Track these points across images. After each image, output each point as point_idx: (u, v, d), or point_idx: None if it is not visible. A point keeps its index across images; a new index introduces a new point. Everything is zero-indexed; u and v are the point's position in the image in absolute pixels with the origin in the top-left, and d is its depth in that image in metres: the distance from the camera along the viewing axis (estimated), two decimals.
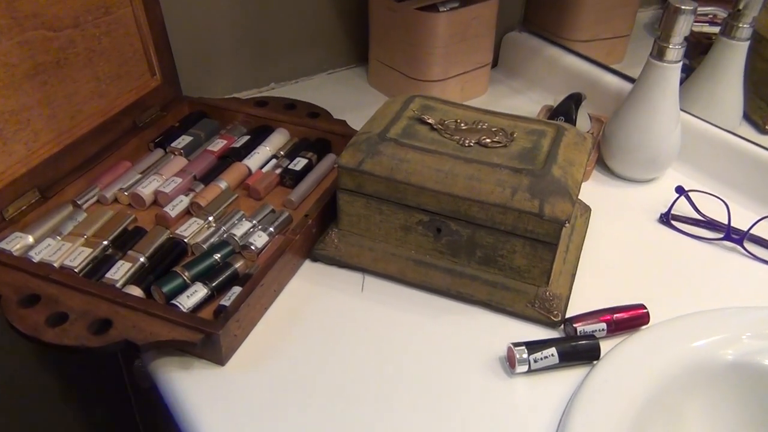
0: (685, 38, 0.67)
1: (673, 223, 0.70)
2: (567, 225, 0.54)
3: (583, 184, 0.75)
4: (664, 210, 0.71)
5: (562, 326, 0.57)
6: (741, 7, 0.72)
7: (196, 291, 0.56)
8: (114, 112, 0.72)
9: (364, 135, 0.60)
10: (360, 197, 0.60)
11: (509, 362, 0.53)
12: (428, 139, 0.60)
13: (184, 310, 0.54)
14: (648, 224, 0.71)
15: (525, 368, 0.53)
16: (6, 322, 0.51)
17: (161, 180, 0.68)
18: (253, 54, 0.90)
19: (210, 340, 0.51)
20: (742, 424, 0.54)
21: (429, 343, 0.56)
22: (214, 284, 0.57)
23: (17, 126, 0.61)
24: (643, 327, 0.57)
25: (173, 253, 0.60)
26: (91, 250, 0.60)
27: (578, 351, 0.53)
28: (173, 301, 0.55)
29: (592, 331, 0.55)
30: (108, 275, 0.57)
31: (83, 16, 0.65)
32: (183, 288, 0.56)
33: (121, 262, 0.59)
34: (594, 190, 0.75)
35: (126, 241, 0.61)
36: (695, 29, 0.81)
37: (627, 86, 0.82)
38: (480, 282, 0.59)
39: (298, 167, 0.71)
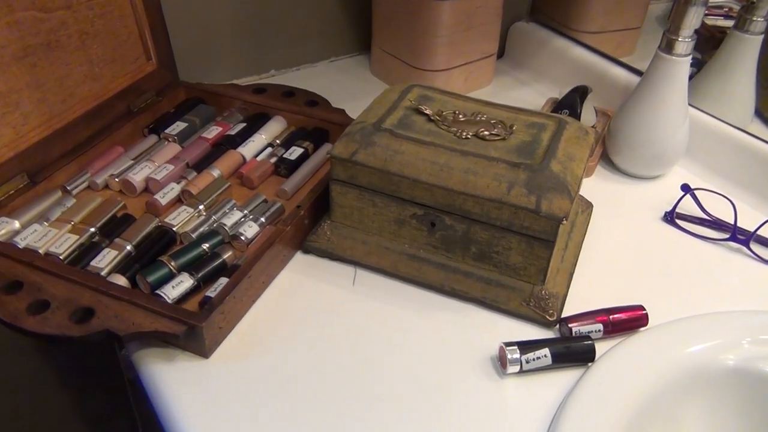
0: (696, 31, 0.65)
1: (678, 221, 0.68)
2: (564, 222, 0.52)
3: (586, 180, 0.73)
4: (669, 208, 0.69)
5: (558, 326, 0.55)
6: None
7: (181, 281, 0.54)
8: (107, 96, 0.70)
9: (358, 125, 0.59)
10: (353, 189, 0.59)
11: (501, 362, 0.52)
12: (424, 131, 0.58)
13: (169, 301, 0.53)
14: (652, 222, 0.69)
15: (516, 369, 0.51)
16: None
17: (153, 167, 0.67)
18: (254, 40, 0.88)
19: (193, 332, 0.50)
20: None
21: (420, 340, 0.55)
22: (200, 275, 0.55)
23: (5, 109, 0.60)
24: (642, 329, 0.55)
25: (161, 241, 0.59)
26: (77, 237, 0.59)
27: (572, 352, 0.52)
28: (158, 291, 0.53)
29: (588, 332, 0.54)
30: (93, 263, 0.56)
31: None
32: (169, 278, 0.55)
33: (107, 249, 0.58)
34: (597, 186, 0.73)
35: (114, 229, 0.60)
36: (709, 22, 0.79)
37: (635, 80, 0.79)
38: (474, 278, 0.58)
39: (293, 157, 0.70)
